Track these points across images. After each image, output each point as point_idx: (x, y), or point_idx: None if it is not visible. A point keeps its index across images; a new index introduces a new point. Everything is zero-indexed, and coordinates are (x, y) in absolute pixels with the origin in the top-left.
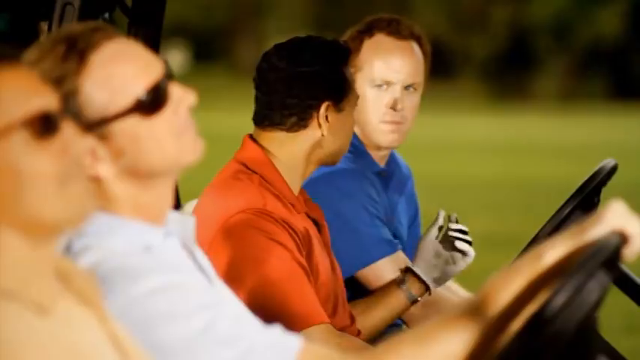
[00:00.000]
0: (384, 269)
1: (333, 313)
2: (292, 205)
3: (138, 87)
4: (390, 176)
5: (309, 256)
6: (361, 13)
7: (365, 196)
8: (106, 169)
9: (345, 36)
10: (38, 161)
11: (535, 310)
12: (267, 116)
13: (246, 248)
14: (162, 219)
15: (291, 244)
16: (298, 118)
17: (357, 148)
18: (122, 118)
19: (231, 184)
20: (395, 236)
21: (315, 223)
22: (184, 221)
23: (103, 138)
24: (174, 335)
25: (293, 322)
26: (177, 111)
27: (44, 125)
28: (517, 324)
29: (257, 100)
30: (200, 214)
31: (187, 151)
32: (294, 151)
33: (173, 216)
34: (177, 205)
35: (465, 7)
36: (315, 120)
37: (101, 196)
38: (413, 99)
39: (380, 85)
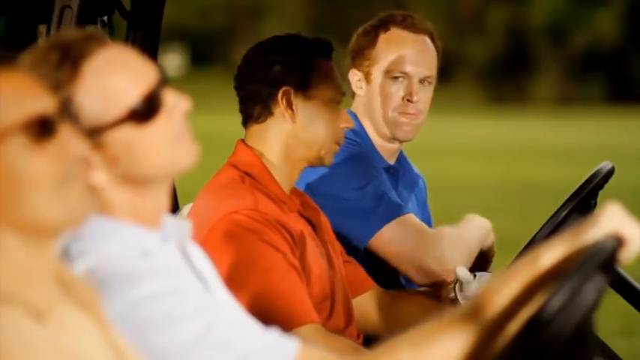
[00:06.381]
0: (392, 234)
1: (329, 313)
2: (284, 203)
3: (132, 96)
4: (400, 173)
5: (303, 255)
6: (359, 16)
7: (368, 175)
8: (100, 177)
9: (359, 31)
10: (36, 164)
11: (532, 313)
12: (243, 112)
13: (237, 249)
14: (158, 223)
15: (282, 245)
16: (262, 105)
17: (365, 143)
18: (116, 127)
19: (223, 185)
20: None
21: (311, 224)
22: (181, 225)
23: (97, 146)
24: (171, 340)
25: (282, 322)
26: (171, 118)
27: (42, 128)
28: (514, 327)
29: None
30: (194, 217)
31: (182, 157)
32: (272, 145)
33: (169, 220)
34: (176, 208)
35: (462, 10)
36: (280, 106)
37: (96, 202)
38: (427, 92)
39: (396, 78)
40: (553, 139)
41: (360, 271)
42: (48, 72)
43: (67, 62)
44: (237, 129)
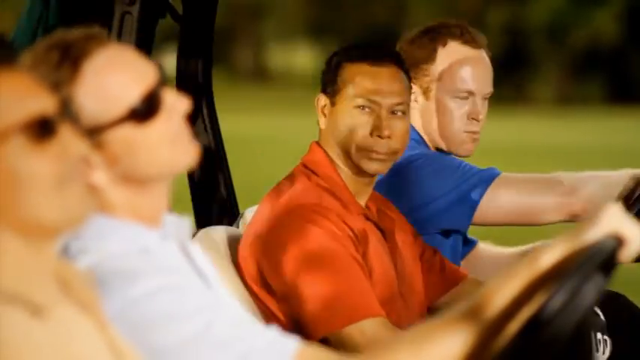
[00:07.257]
0: (498, 196)
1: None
2: (349, 203)
3: (131, 95)
4: None
5: (365, 253)
6: (359, 17)
7: (448, 166)
8: (99, 177)
9: (408, 39)
10: (36, 164)
11: (532, 313)
12: None
13: (302, 242)
14: (158, 222)
15: (346, 240)
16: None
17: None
18: (116, 127)
19: (290, 182)
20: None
21: (380, 229)
22: (180, 223)
23: (97, 146)
24: (170, 338)
25: (348, 314)
26: (170, 117)
27: (42, 128)
28: (514, 327)
29: None
30: (260, 213)
31: (181, 156)
32: (329, 148)
33: (169, 219)
34: (237, 213)
35: (462, 10)
36: (320, 112)
37: (96, 201)
38: (486, 107)
39: (460, 96)
40: (553, 139)
41: (449, 264)
42: (48, 71)
43: (67, 62)
44: (237, 129)
